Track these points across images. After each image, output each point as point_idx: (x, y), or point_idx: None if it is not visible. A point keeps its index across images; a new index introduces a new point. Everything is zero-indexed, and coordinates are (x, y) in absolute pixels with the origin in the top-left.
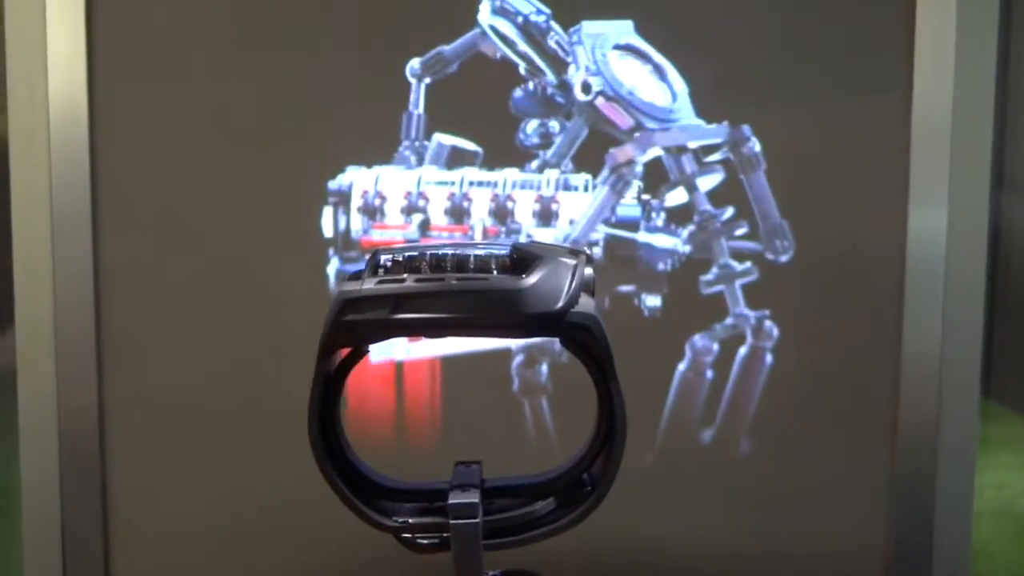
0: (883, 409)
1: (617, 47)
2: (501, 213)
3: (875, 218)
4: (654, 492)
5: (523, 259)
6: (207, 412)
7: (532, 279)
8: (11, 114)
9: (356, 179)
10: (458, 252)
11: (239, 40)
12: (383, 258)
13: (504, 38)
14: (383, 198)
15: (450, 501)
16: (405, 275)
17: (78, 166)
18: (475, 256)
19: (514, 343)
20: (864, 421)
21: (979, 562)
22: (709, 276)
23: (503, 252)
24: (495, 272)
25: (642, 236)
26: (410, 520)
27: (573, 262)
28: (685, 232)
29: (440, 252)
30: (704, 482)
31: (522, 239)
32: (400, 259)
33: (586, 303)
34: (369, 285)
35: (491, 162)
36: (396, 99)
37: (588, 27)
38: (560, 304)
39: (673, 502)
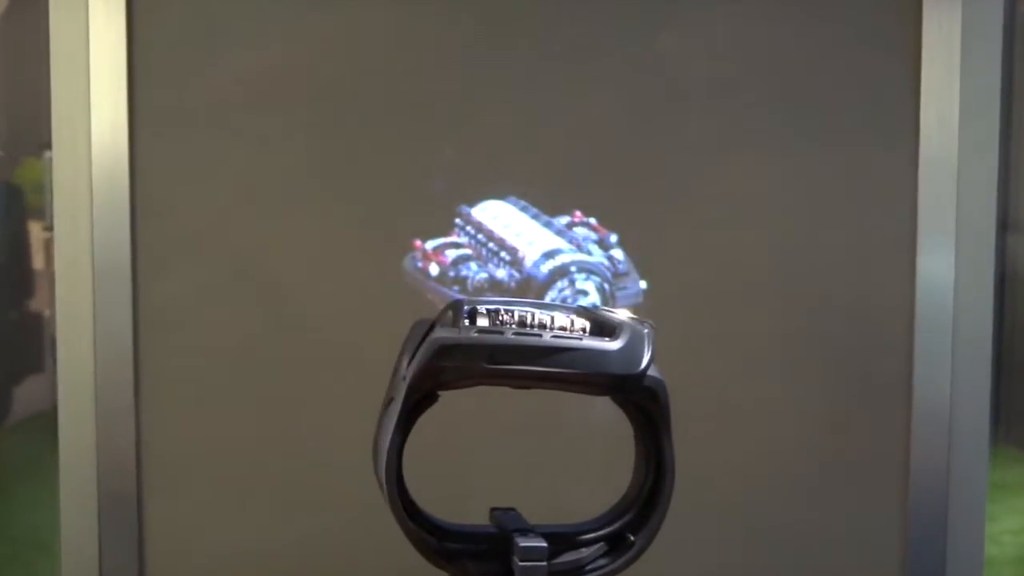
0: (895, 456)
1: None
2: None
3: (883, 267)
4: (669, 533)
5: (601, 323)
6: (244, 458)
7: (619, 343)
8: (56, 167)
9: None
10: (543, 311)
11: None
12: (480, 308)
13: None
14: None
15: (520, 544)
16: (503, 328)
17: (119, 212)
18: (561, 316)
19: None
20: (875, 470)
21: None
22: None
23: (585, 315)
24: (585, 333)
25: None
26: (468, 563)
27: (647, 330)
28: None
29: (526, 309)
30: (718, 528)
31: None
32: (493, 312)
33: (655, 369)
34: (468, 334)
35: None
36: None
37: None
38: (641, 367)
39: (689, 545)
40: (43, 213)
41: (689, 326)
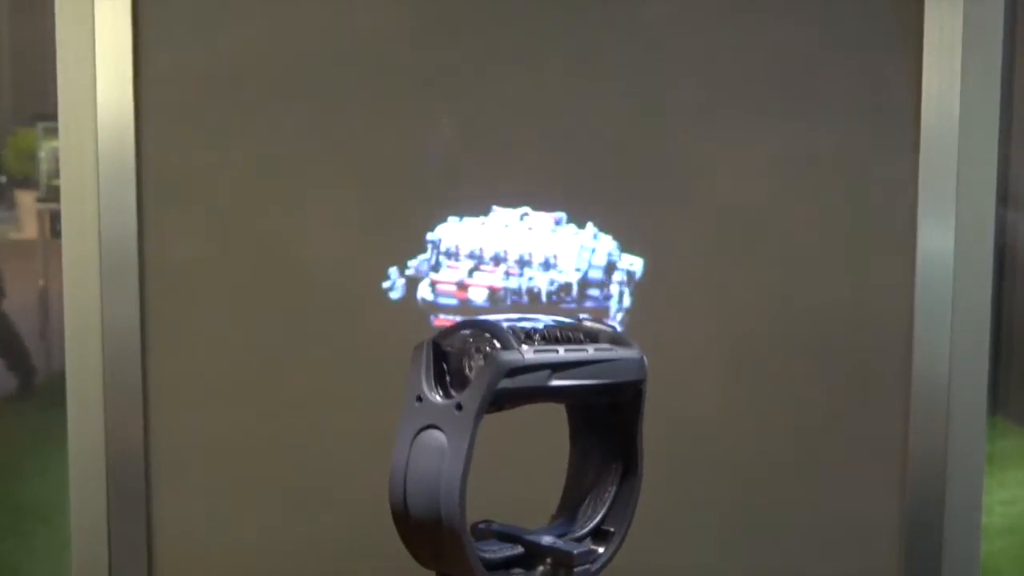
0: (894, 429)
1: None
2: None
3: (885, 240)
4: (663, 527)
5: (609, 333)
6: (250, 453)
7: (637, 351)
8: (64, 180)
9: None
10: (565, 326)
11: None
12: (533, 326)
13: None
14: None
15: (576, 552)
16: (556, 345)
17: (125, 214)
18: (582, 330)
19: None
20: (875, 443)
21: None
22: None
23: (591, 328)
24: (611, 345)
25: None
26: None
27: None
28: None
29: (553, 325)
30: (714, 513)
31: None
32: (533, 330)
33: None
34: (529, 355)
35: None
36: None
37: None
38: (647, 371)
39: (685, 537)
40: (35, 183)
41: (691, 287)
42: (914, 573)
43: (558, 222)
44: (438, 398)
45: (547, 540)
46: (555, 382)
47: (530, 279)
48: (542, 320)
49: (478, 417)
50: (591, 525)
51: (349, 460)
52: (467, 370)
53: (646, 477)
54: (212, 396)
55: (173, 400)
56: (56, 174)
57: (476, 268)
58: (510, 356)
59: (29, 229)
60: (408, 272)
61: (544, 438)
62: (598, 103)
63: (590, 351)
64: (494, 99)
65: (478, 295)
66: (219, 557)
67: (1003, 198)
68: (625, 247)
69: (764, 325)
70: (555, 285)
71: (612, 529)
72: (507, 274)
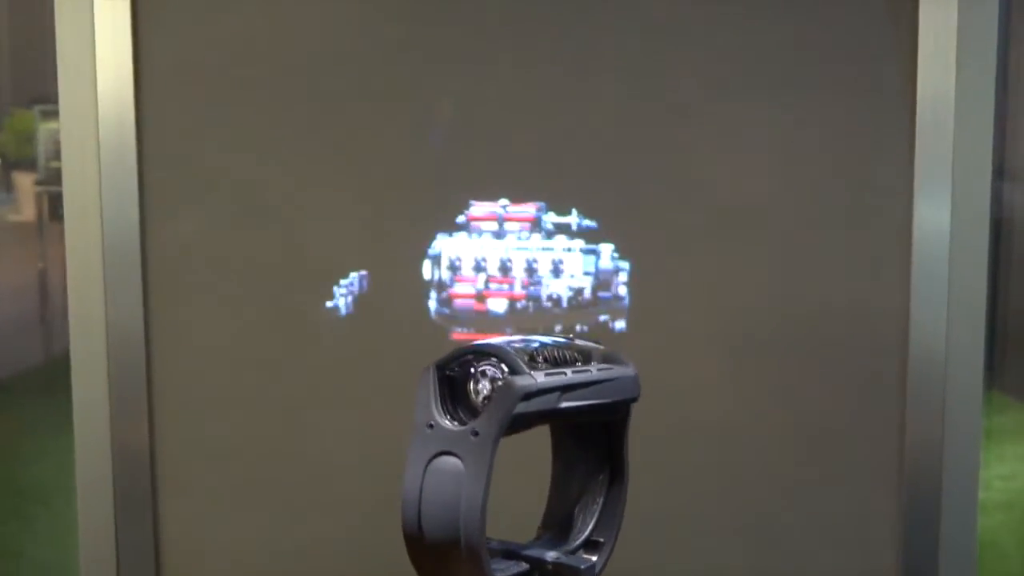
0: (891, 403)
1: None
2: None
3: (881, 213)
4: (659, 526)
5: (602, 352)
6: (255, 456)
7: (631, 368)
8: (64, 165)
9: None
10: (562, 344)
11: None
12: (533, 348)
13: None
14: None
15: (583, 567)
16: (564, 368)
17: (128, 215)
18: (578, 348)
19: None
20: (872, 418)
21: (987, 552)
22: None
23: (591, 344)
24: (608, 363)
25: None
26: None
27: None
28: None
29: (550, 344)
30: (709, 508)
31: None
32: (538, 351)
33: None
34: (540, 378)
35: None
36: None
37: None
38: (640, 388)
39: (681, 536)
40: (33, 165)
41: (684, 262)
42: (913, 550)
43: (539, 212)
44: (450, 424)
45: (551, 556)
46: (564, 404)
47: (536, 288)
48: (536, 340)
49: (496, 442)
50: (583, 537)
51: (355, 462)
52: (472, 395)
53: (646, 475)
54: (217, 396)
55: (177, 400)
56: (54, 156)
57: (480, 271)
58: (524, 381)
59: (27, 211)
60: (416, 275)
61: (521, 450)
62: (597, 103)
63: (593, 371)
64: (495, 96)
65: (492, 304)
66: (226, 556)
67: (999, 174)
68: (621, 248)
69: (763, 303)
70: (572, 291)
71: (602, 539)
72: (509, 284)
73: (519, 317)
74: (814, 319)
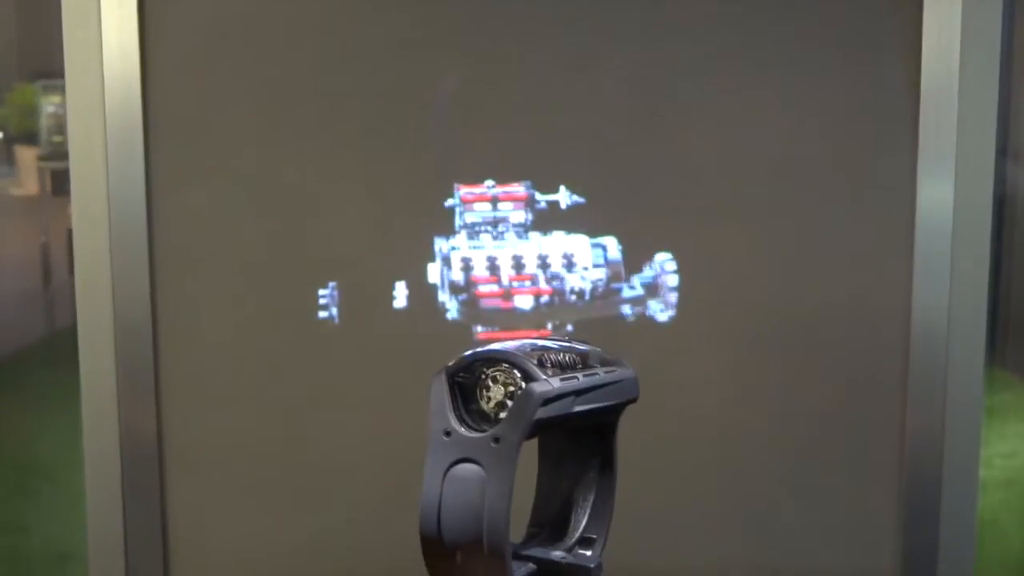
0: (892, 378)
1: None
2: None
3: (885, 199)
4: (660, 523)
5: (597, 354)
6: (262, 450)
7: (631, 369)
8: (74, 186)
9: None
10: (565, 348)
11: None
12: (541, 353)
13: None
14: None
15: (593, 566)
16: (574, 372)
17: (135, 191)
18: (579, 351)
19: None
20: (873, 395)
21: (987, 531)
22: None
23: (590, 347)
24: (608, 365)
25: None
26: None
27: None
28: None
29: (554, 347)
30: (713, 501)
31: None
32: (547, 355)
33: None
34: (556, 383)
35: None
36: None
37: None
38: (639, 389)
39: (681, 532)
40: (35, 139)
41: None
42: (913, 527)
43: (530, 189)
44: (467, 432)
45: (558, 555)
46: (577, 408)
47: (553, 282)
48: (537, 344)
49: (519, 449)
50: (578, 534)
51: (363, 456)
52: (483, 401)
53: (646, 472)
54: (225, 375)
55: (184, 377)
56: (57, 131)
57: (492, 267)
58: (543, 387)
59: (30, 186)
60: (422, 271)
61: None
62: (599, 103)
63: (601, 374)
64: (500, 95)
65: (512, 303)
66: (234, 549)
67: (1003, 151)
68: (626, 245)
69: (764, 293)
70: (587, 282)
71: (594, 536)
72: (525, 280)
73: (531, 316)
74: (817, 305)
